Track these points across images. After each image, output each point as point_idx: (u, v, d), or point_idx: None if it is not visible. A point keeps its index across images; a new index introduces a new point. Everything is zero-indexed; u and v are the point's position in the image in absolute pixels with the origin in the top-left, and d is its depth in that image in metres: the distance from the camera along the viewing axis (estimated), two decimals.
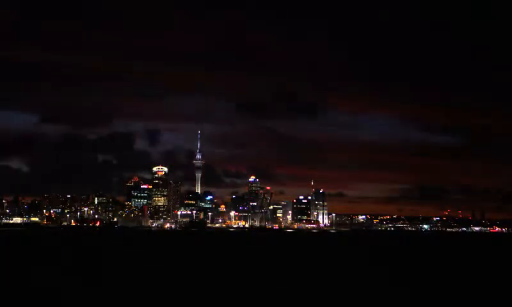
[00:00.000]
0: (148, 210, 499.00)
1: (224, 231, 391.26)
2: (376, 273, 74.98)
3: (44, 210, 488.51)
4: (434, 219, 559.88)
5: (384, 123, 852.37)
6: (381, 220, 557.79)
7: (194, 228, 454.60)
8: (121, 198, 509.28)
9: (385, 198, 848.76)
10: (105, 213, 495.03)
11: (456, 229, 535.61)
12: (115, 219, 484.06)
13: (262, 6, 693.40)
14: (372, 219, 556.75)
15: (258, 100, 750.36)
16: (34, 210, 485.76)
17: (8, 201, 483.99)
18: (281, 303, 46.93)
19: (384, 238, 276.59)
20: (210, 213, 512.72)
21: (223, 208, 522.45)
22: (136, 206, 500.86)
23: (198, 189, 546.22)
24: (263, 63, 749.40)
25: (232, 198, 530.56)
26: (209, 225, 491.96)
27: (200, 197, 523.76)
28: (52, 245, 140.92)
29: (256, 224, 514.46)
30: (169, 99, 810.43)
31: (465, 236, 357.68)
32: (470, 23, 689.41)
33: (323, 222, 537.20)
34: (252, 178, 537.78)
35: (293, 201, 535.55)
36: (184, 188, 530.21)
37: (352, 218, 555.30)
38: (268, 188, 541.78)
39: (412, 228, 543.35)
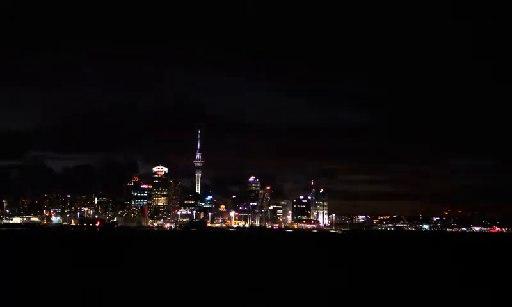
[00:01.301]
0: (148, 210, 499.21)
1: (224, 231, 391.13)
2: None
3: (44, 210, 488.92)
4: (434, 219, 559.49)
5: None
6: (381, 220, 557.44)
7: (194, 228, 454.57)
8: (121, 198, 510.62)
9: None
10: (105, 213, 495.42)
11: (456, 229, 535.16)
12: (115, 219, 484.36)
13: None
14: (372, 219, 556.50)
15: None
16: (34, 210, 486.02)
17: (8, 201, 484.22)
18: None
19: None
20: (210, 213, 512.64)
21: (223, 208, 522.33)
22: (136, 206, 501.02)
23: (198, 189, 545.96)
24: None
25: (232, 198, 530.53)
26: (209, 225, 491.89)
27: (200, 197, 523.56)
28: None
29: (256, 224, 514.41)
30: None
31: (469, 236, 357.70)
32: None
33: (323, 222, 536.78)
34: (252, 178, 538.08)
35: (293, 201, 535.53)
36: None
37: (352, 218, 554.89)
38: (268, 188, 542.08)
39: (412, 227, 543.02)
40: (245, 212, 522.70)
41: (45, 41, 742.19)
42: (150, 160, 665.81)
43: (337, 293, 53.95)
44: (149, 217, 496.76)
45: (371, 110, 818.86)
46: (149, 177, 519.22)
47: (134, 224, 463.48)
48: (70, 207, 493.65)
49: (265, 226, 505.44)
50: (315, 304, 47.24)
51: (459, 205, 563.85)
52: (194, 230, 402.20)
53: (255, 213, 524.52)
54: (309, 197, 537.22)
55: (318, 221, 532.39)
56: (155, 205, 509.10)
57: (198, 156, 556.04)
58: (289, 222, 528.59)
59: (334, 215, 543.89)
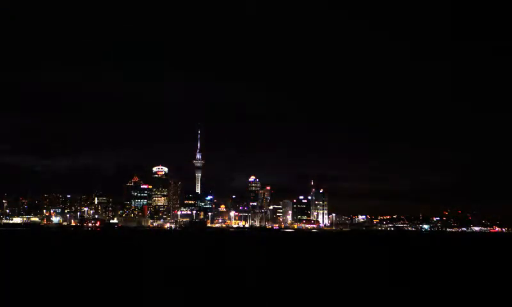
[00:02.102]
0: (148, 210, 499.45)
1: (224, 231, 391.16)
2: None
3: (44, 210, 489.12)
4: (434, 219, 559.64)
5: None
6: (381, 220, 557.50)
7: (194, 228, 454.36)
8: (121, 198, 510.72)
9: None
10: (105, 213, 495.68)
11: (456, 229, 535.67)
12: (115, 219, 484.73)
13: None
14: (372, 219, 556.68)
15: None
16: (34, 210, 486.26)
17: (8, 201, 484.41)
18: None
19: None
20: (210, 213, 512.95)
21: (223, 208, 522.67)
22: (136, 206, 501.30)
23: (198, 189, 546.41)
24: None
25: (232, 198, 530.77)
26: (209, 225, 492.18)
27: (200, 197, 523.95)
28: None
29: (256, 224, 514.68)
30: None
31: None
32: None
33: (323, 222, 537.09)
34: (252, 178, 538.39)
35: (293, 201, 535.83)
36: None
37: (352, 218, 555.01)
38: (268, 188, 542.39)
39: (412, 227, 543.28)
40: (245, 212, 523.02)
41: (44, 40, 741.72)
42: (150, 160, 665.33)
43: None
44: (149, 217, 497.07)
45: (372, 111, 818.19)
46: (149, 177, 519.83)
47: (134, 224, 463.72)
48: (70, 207, 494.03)
49: (265, 226, 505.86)
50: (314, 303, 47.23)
51: (459, 205, 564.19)
52: (194, 230, 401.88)
53: (255, 213, 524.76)
54: (309, 197, 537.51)
55: (318, 221, 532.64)
56: (155, 205, 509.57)
57: (198, 156, 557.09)
58: (289, 222, 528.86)
59: (334, 215, 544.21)
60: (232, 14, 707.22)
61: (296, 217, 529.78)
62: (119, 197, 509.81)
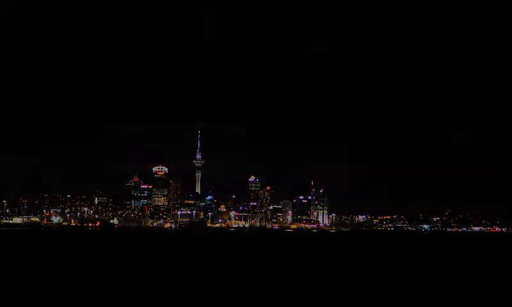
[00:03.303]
0: (148, 210, 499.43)
1: (224, 231, 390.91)
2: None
3: (44, 210, 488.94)
4: (434, 219, 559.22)
5: None
6: (381, 220, 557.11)
7: (194, 227, 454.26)
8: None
9: None
10: (105, 213, 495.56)
11: (456, 229, 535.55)
12: (115, 219, 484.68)
13: None
14: (372, 219, 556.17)
15: None
16: (34, 210, 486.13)
17: (8, 201, 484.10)
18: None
19: None
20: (210, 213, 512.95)
21: (222, 208, 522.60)
22: (136, 206, 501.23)
23: (198, 189, 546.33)
24: None
25: (232, 198, 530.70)
26: (209, 225, 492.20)
27: (200, 197, 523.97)
28: None
29: (257, 224, 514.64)
30: None
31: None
32: None
33: (323, 222, 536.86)
34: (252, 178, 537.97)
35: (293, 201, 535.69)
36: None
37: (352, 218, 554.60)
38: (268, 188, 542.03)
39: (412, 227, 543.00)
40: (245, 212, 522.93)
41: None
42: (150, 160, 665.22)
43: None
44: (149, 217, 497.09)
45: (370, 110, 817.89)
46: (149, 177, 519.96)
47: (134, 224, 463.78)
48: (70, 207, 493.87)
49: (265, 226, 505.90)
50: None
51: (459, 205, 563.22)
52: (194, 230, 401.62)
53: (255, 213, 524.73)
54: (309, 197, 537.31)
55: (318, 221, 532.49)
56: (155, 205, 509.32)
57: (198, 156, 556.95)
58: (289, 222, 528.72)
59: (334, 215, 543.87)
60: (231, 14, 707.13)
61: (296, 217, 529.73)
62: (119, 197, 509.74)
